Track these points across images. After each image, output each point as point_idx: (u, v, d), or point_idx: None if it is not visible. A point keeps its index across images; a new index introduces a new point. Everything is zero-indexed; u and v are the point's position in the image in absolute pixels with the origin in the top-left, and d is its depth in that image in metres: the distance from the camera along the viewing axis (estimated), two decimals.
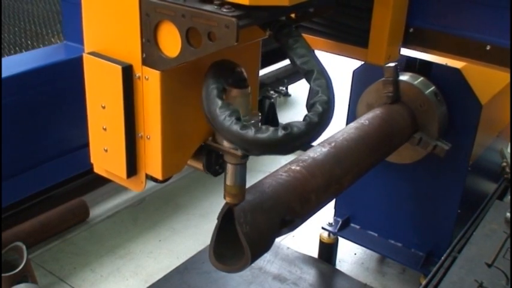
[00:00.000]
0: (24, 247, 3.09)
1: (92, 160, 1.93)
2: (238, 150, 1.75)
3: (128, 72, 1.70)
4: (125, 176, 1.82)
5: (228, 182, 1.83)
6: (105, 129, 1.82)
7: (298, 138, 1.51)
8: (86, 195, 4.10)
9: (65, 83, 3.32)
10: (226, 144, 1.79)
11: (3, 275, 2.96)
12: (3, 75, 3.10)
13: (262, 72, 5.14)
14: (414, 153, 3.03)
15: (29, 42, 3.93)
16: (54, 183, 3.68)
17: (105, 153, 1.85)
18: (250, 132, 1.51)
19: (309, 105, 1.56)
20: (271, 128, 1.51)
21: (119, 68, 1.69)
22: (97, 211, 4.18)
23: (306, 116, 1.54)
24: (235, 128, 1.52)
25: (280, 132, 1.50)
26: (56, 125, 3.45)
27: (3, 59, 3.44)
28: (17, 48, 3.85)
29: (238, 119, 1.54)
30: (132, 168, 1.82)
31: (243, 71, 1.72)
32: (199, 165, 1.89)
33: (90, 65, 1.79)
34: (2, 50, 3.78)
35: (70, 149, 3.51)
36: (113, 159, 1.84)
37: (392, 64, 2.83)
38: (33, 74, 3.27)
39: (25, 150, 3.34)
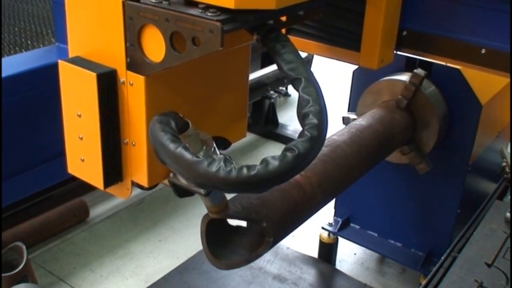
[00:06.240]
0: (24, 247, 3.09)
1: (69, 170, 1.90)
2: (201, 189, 1.68)
3: (104, 80, 1.65)
4: (102, 187, 1.78)
5: (206, 204, 1.79)
6: (81, 139, 1.78)
7: (307, 156, 1.47)
8: (86, 195, 4.10)
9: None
10: (187, 182, 1.71)
11: (3, 275, 2.96)
12: (3, 75, 3.10)
13: (262, 72, 5.14)
14: (400, 157, 3.04)
15: (29, 42, 3.91)
16: (54, 183, 3.67)
17: (82, 163, 1.82)
18: (261, 170, 1.43)
19: (301, 115, 1.51)
20: (277, 157, 1.44)
21: (94, 75, 1.64)
22: (97, 211, 4.18)
23: (303, 131, 1.48)
24: (244, 174, 1.43)
25: (289, 157, 1.44)
26: (56, 124, 3.44)
27: (3, 59, 3.44)
28: (17, 48, 3.83)
29: (231, 164, 1.46)
30: (110, 178, 1.78)
31: (179, 114, 1.65)
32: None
33: (65, 72, 1.75)
34: (1, 50, 3.77)
35: None
36: (90, 169, 1.80)
37: (422, 72, 2.80)
38: (25, 76, 3.26)
39: (25, 150, 3.34)
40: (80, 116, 1.75)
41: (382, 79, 2.97)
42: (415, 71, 2.83)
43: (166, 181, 1.82)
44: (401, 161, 3.08)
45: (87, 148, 1.78)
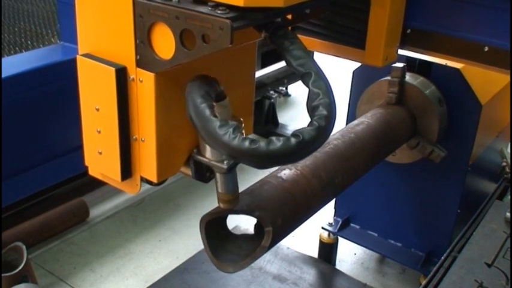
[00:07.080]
0: (24, 247, 3.09)
1: (86, 162, 1.91)
2: (223, 163, 1.72)
3: (121, 74, 1.68)
4: (119, 179, 1.80)
5: (220, 190, 1.81)
6: (99, 132, 1.80)
7: (311, 144, 1.50)
8: (86, 195, 4.10)
9: (64, 83, 3.32)
10: (211, 156, 1.76)
11: (3, 275, 2.96)
12: (3, 75, 3.10)
13: (262, 72, 5.14)
14: (412, 154, 3.03)
15: (29, 42, 3.92)
16: (54, 183, 3.67)
17: (100, 156, 1.84)
18: (263, 147, 1.48)
19: (311, 108, 1.55)
20: (282, 139, 1.49)
21: (113, 69, 1.67)
22: (97, 211, 4.18)
23: (312, 121, 1.52)
24: (246, 145, 1.48)
25: (293, 141, 1.48)
26: (56, 124, 3.45)
27: (3, 59, 3.44)
28: (17, 48, 3.84)
29: (242, 135, 1.51)
30: (127, 170, 1.81)
31: (220, 84, 1.71)
32: (189, 172, 1.86)
33: (83, 67, 1.77)
34: (1, 50, 3.77)
35: (70, 149, 3.52)
36: (107, 162, 1.82)
37: (400, 64, 2.84)
38: (31, 75, 3.27)
39: (25, 150, 3.34)
40: (98, 110, 1.77)
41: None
42: (393, 65, 2.84)
43: (183, 169, 1.85)
44: (412, 159, 3.07)
45: (104, 141, 1.80)
